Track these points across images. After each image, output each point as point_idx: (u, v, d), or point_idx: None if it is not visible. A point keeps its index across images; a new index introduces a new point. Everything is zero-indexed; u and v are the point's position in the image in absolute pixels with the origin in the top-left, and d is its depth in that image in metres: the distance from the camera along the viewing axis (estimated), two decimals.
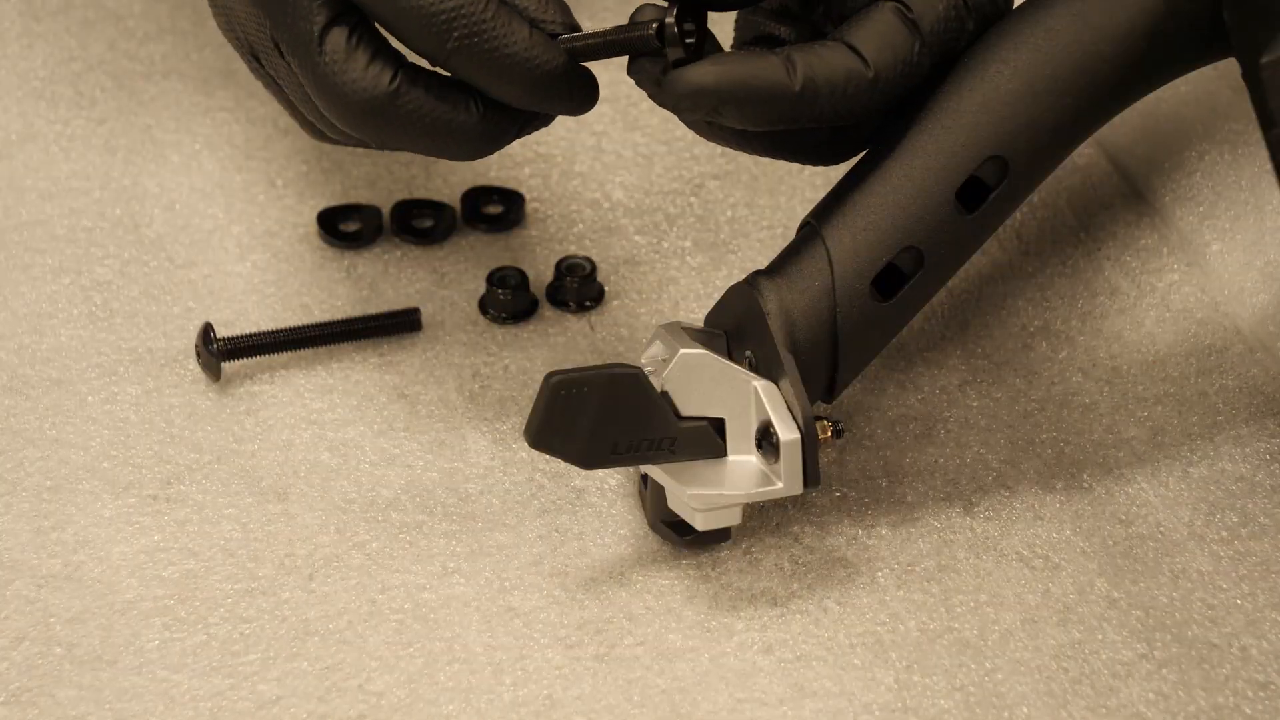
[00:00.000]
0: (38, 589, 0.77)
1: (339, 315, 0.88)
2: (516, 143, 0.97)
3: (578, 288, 0.89)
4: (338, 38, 0.73)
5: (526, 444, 0.74)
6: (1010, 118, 0.76)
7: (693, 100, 0.72)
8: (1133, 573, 0.77)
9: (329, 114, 0.74)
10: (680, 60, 0.72)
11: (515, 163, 0.96)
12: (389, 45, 0.74)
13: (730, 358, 0.77)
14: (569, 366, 0.75)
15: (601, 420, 0.73)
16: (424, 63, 0.74)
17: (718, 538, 0.78)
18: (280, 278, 0.91)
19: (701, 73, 0.72)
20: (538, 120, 0.76)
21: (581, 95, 0.75)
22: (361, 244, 0.92)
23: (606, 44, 0.74)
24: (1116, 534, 0.79)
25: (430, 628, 0.76)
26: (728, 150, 0.97)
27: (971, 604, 0.76)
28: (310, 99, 0.76)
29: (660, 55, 0.73)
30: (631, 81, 0.96)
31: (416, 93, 0.73)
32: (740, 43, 0.79)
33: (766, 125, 0.74)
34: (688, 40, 0.72)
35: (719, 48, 0.75)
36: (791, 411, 0.74)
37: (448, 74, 0.74)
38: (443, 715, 0.73)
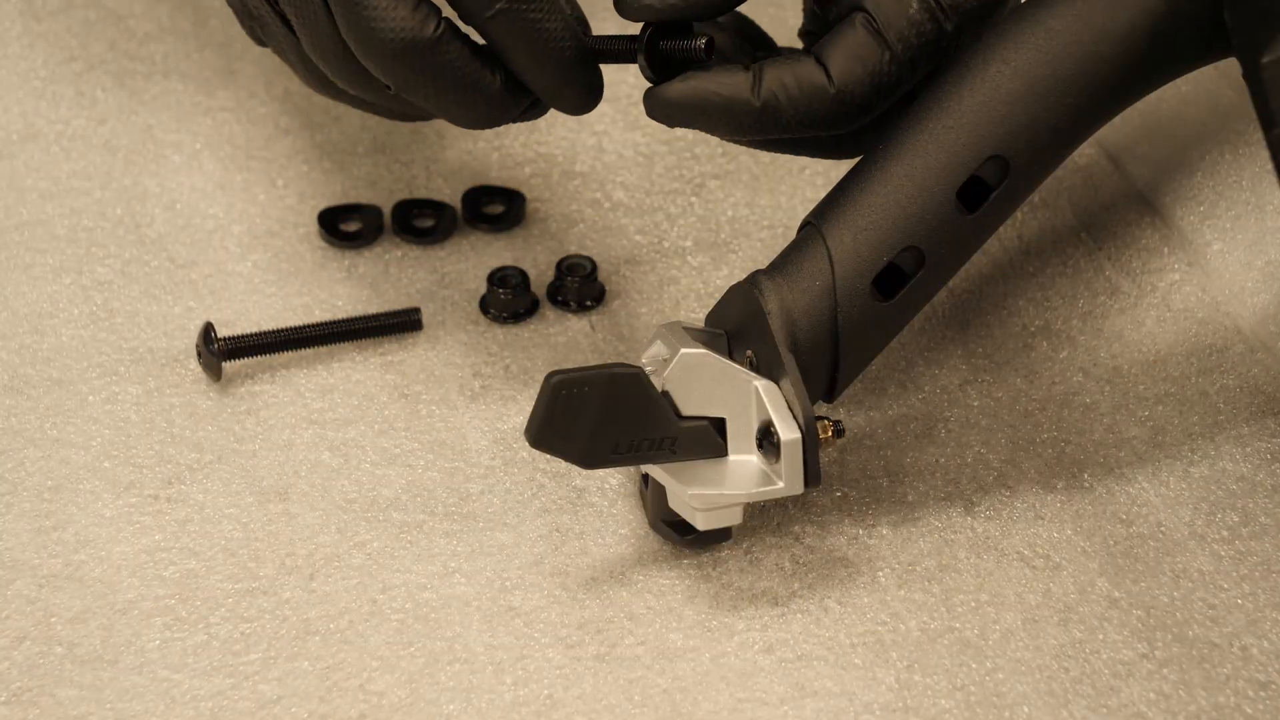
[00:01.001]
0: (39, 589, 0.77)
1: (339, 315, 0.88)
2: (517, 143, 0.97)
3: (578, 287, 0.89)
4: None
5: (527, 444, 0.74)
6: (1011, 118, 0.76)
7: (665, 114, 0.77)
8: (1134, 572, 0.77)
9: (364, 55, 0.76)
10: (656, 79, 0.77)
11: (516, 162, 0.96)
12: None
13: (731, 357, 0.77)
14: (570, 366, 0.76)
15: (602, 420, 0.73)
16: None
17: (718, 537, 0.78)
18: (281, 277, 0.91)
19: (671, 90, 0.76)
20: (536, 109, 0.79)
21: (592, 91, 0.78)
22: (362, 244, 0.92)
23: (615, 50, 0.77)
24: (1117, 534, 0.79)
25: (431, 627, 0.76)
26: (728, 150, 0.97)
27: (972, 604, 0.76)
28: (328, 44, 0.77)
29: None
30: (631, 82, 0.97)
31: (455, 45, 0.76)
32: (803, 32, 0.81)
33: (736, 136, 0.77)
34: (667, 57, 0.76)
35: (739, 49, 0.79)
36: (792, 411, 0.74)
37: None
38: (444, 715, 0.73)
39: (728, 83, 0.75)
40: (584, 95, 0.77)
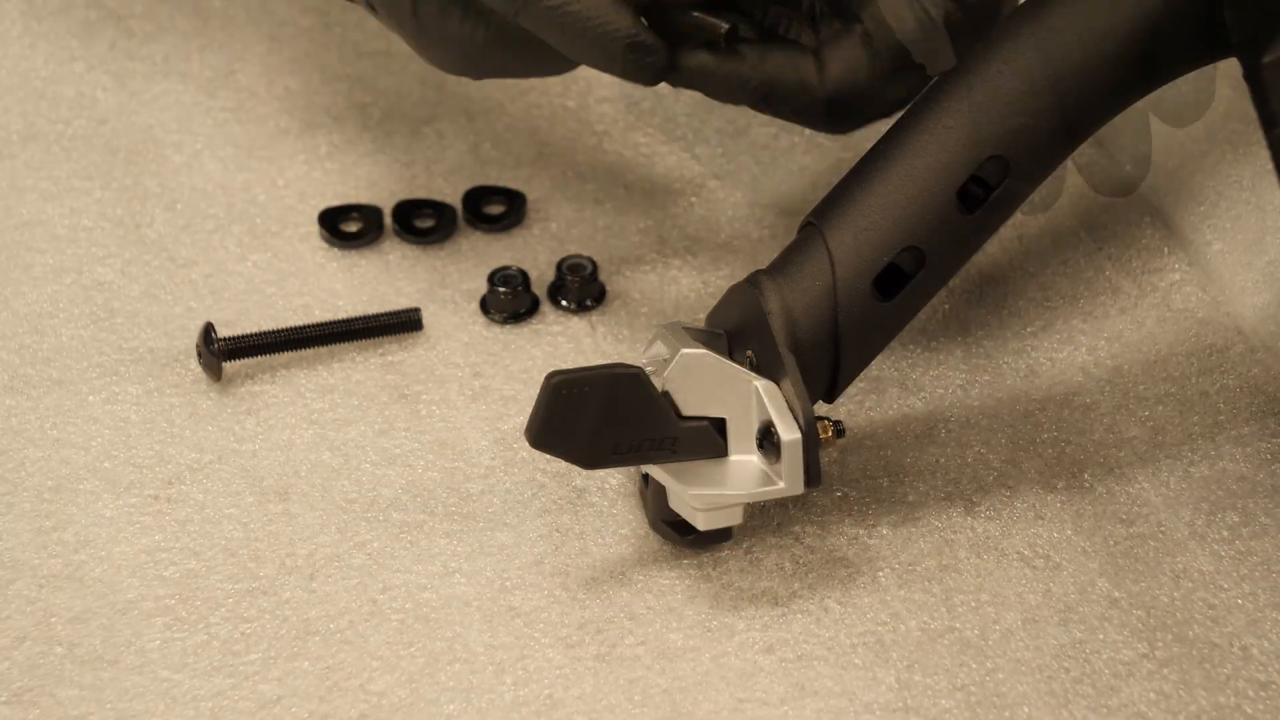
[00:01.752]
0: (39, 589, 0.77)
1: (339, 315, 0.88)
2: (517, 142, 0.97)
3: (579, 287, 0.89)
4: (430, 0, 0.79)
5: (528, 444, 0.74)
6: (1011, 117, 0.76)
7: (677, 79, 0.79)
8: (1134, 572, 0.77)
9: (428, 61, 0.81)
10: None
11: (516, 162, 0.96)
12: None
13: (731, 357, 0.77)
14: (570, 366, 0.76)
15: (603, 420, 0.73)
16: None
17: (719, 537, 0.78)
18: (281, 277, 0.91)
19: (684, 58, 0.79)
20: None
21: (645, 66, 0.79)
22: (362, 244, 0.92)
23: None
24: (1118, 534, 0.79)
25: (431, 627, 0.76)
26: (729, 150, 0.97)
27: (973, 603, 0.76)
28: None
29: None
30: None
31: (505, 42, 0.79)
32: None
33: (741, 105, 0.80)
34: (686, 35, 0.78)
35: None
36: (792, 411, 0.74)
37: None
38: (444, 715, 0.73)
39: (735, 61, 0.78)
40: (635, 69, 0.78)
